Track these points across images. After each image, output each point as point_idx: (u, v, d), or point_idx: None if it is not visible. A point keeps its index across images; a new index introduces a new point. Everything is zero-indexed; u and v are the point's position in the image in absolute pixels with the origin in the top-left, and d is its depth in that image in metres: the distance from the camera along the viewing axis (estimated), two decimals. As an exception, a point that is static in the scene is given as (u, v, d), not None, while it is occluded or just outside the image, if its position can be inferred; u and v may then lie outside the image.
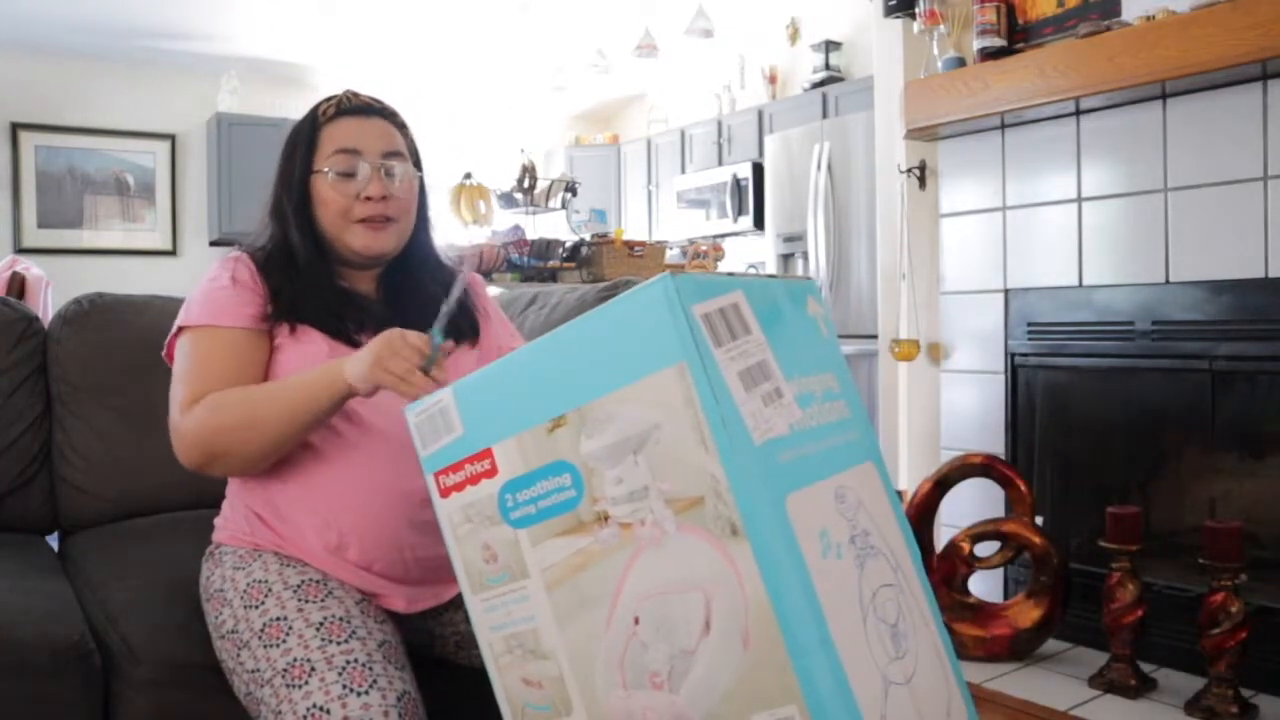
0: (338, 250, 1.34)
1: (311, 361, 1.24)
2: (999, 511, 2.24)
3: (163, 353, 1.34)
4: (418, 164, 1.39)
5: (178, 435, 1.22)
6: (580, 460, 0.88)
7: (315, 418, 1.19)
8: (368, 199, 1.30)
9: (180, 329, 1.29)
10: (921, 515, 2.10)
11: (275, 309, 1.28)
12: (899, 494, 4.74)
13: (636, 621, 0.86)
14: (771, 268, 5.36)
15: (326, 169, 1.31)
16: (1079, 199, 2.20)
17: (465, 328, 1.38)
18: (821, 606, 0.79)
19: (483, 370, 0.98)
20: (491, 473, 0.94)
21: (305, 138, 1.34)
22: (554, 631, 0.91)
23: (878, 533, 0.91)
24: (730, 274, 0.91)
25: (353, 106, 1.34)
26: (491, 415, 0.95)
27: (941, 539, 2.22)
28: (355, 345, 1.27)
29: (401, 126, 1.38)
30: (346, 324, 1.29)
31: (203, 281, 1.32)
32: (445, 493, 0.99)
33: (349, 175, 1.30)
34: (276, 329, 1.28)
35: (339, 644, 1.11)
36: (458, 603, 1.31)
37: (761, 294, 0.90)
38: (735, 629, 0.80)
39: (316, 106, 1.35)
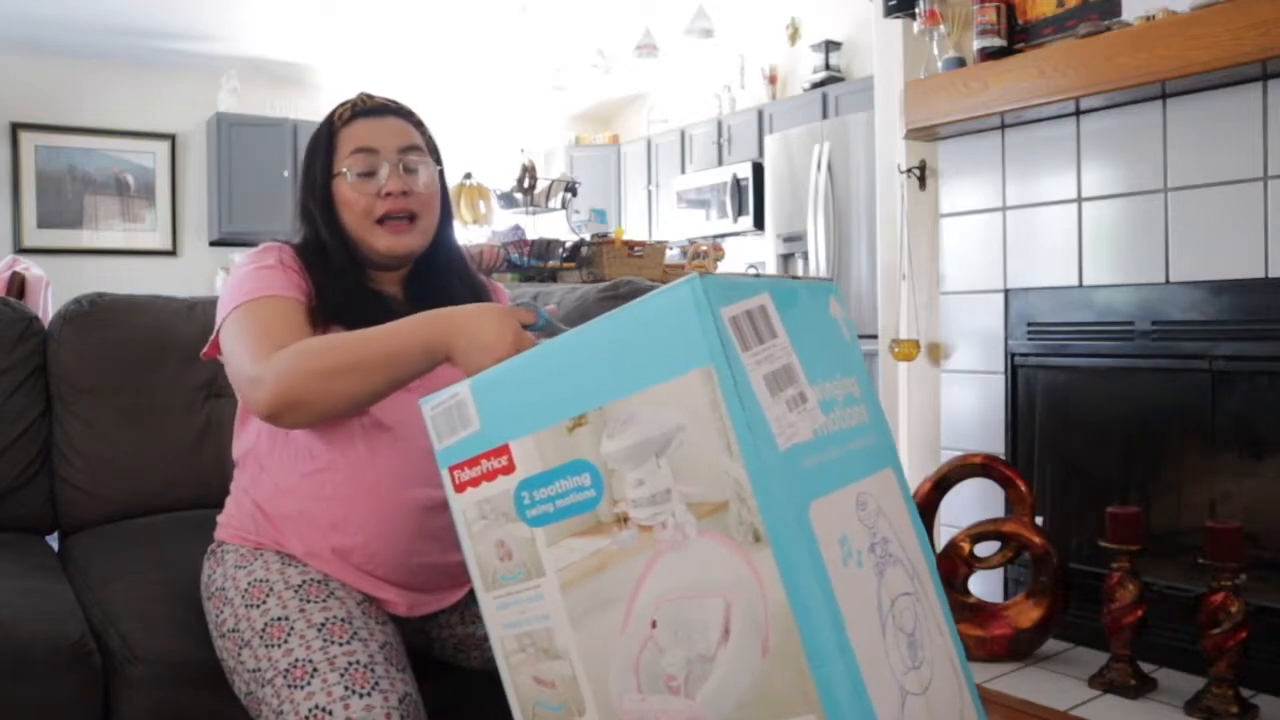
0: (363, 252, 1.33)
1: None
2: (999, 511, 2.24)
3: (202, 352, 1.31)
4: (438, 161, 1.39)
5: (256, 383, 1.15)
6: (600, 460, 0.87)
7: (405, 380, 1.14)
8: (388, 195, 1.30)
9: (232, 309, 1.23)
10: (921, 515, 2.10)
11: (318, 304, 1.26)
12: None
13: (654, 625, 0.85)
14: (771, 268, 5.36)
15: (345, 170, 1.31)
16: (1079, 199, 2.20)
17: None
18: (842, 615, 0.78)
19: (502, 365, 0.97)
20: (509, 469, 0.93)
21: (323, 143, 1.34)
22: (568, 631, 0.91)
23: (896, 540, 0.91)
24: (757, 275, 0.91)
25: (368, 108, 1.35)
26: (510, 411, 0.93)
27: (941, 539, 2.22)
28: None
29: (418, 124, 1.38)
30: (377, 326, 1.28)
31: (240, 269, 1.28)
32: (460, 488, 0.98)
33: (368, 174, 1.30)
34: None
35: (341, 645, 1.11)
36: (455, 606, 1.31)
37: (786, 295, 0.88)
38: (754, 636, 0.80)
39: (333, 111, 1.36)
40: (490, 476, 0.95)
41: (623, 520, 0.86)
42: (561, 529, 0.90)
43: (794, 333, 0.87)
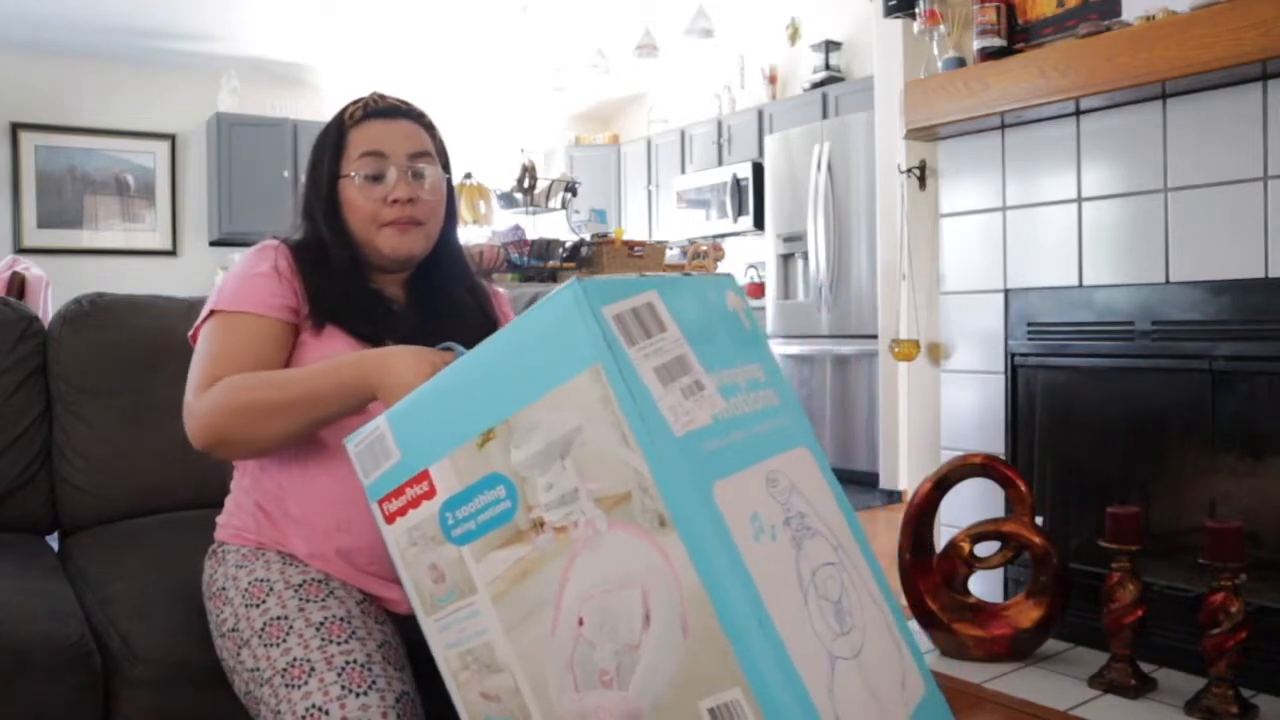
0: (367, 254, 1.33)
1: None
2: (999, 511, 2.24)
3: (189, 334, 1.32)
4: (446, 165, 1.39)
5: (190, 416, 1.19)
6: (512, 470, 0.89)
7: (329, 419, 1.17)
8: (394, 201, 1.29)
9: (211, 312, 1.26)
10: (921, 515, 2.09)
11: (312, 309, 1.27)
12: (899, 494, 4.73)
13: (581, 623, 0.87)
14: (771, 268, 5.37)
15: (353, 173, 1.30)
16: (1079, 199, 2.20)
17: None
18: (757, 588, 0.80)
19: (414, 394, 0.99)
20: (430, 494, 0.96)
21: (332, 141, 1.33)
22: (505, 643, 0.92)
23: (814, 514, 0.93)
24: (643, 275, 0.93)
25: (379, 109, 1.34)
26: (425, 437, 0.96)
27: (941, 539, 2.22)
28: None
29: (429, 127, 1.38)
30: (378, 327, 1.28)
31: (239, 267, 1.30)
32: (390, 519, 1.00)
33: (376, 178, 1.30)
34: (304, 327, 1.27)
35: (339, 644, 1.11)
36: (458, 603, 1.31)
37: (677, 292, 0.91)
38: (674, 619, 0.82)
39: (343, 109, 1.35)
40: (415, 503, 0.97)
41: (539, 525, 0.88)
42: (485, 543, 0.92)
43: (686, 326, 0.89)
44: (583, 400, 0.84)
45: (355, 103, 1.35)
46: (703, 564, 0.80)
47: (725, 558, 0.79)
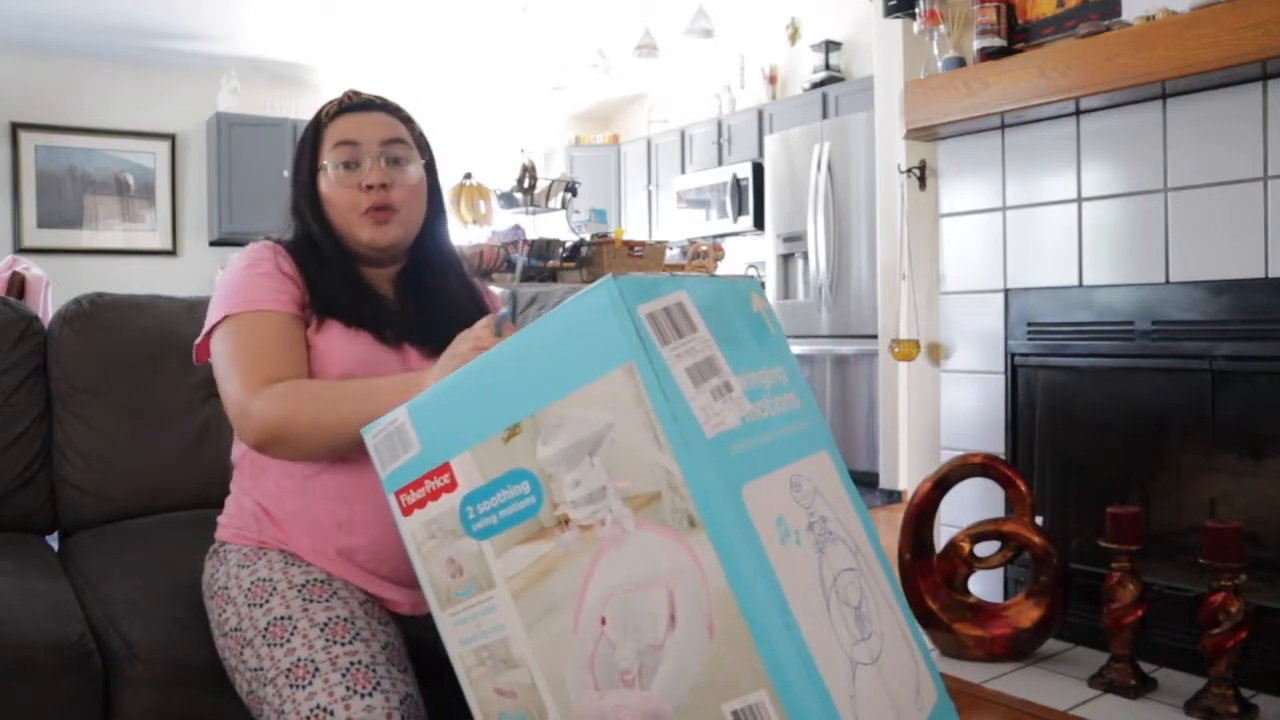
0: (349, 245, 1.34)
1: (331, 355, 1.25)
2: (999, 511, 2.24)
3: (195, 344, 1.32)
4: (429, 159, 1.39)
5: (245, 415, 1.19)
6: (537, 466, 0.89)
7: None
8: (369, 187, 1.30)
9: (223, 318, 1.25)
10: (921, 515, 2.09)
11: (313, 302, 1.28)
12: (899, 494, 4.73)
13: (603, 621, 0.87)
14: (771, 268, 5.37)
15: (328, 163, 1.31)
16: (1079, 199, 2.20)
17: None
18: (784, 592, 0.80)
19: (436, 386, 0.99)
20: (451, 487, 0.95)
21: (309, 138, 1.35)
22: (523, 639, 0.92)
23: (835, 519, 0.93)
24: (672, 274, 0.93)
25: (354, 104, 1.36)
26: (447, 430, 0.96)
27: (941, 539, 2.22)
28: (379, 337, 1.27)
29: (406, 120, 1.39)
30: (371, 318, 1.29)
31: (236, 271, 1.29)
32: (407, 510, 1.00)
33: (351, 167, 1.31)
34: (308, 321, 1.28)
35: (343, 645, 1.11)
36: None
37: (705, 293, 0.91)
38: (700, 620, 0.81)
39: (320, 109, 1.37)
40: (435, 496, 0.97)
41: (564, 522, 0.88)
42: (507, 539, 0.92)
43: (715, 327, 0.89)
44: (614, 398, 0.83)
45: (330, 101, 1.38)
46: (731, 566, 0.79)
47: (754, 560, 0.79)
